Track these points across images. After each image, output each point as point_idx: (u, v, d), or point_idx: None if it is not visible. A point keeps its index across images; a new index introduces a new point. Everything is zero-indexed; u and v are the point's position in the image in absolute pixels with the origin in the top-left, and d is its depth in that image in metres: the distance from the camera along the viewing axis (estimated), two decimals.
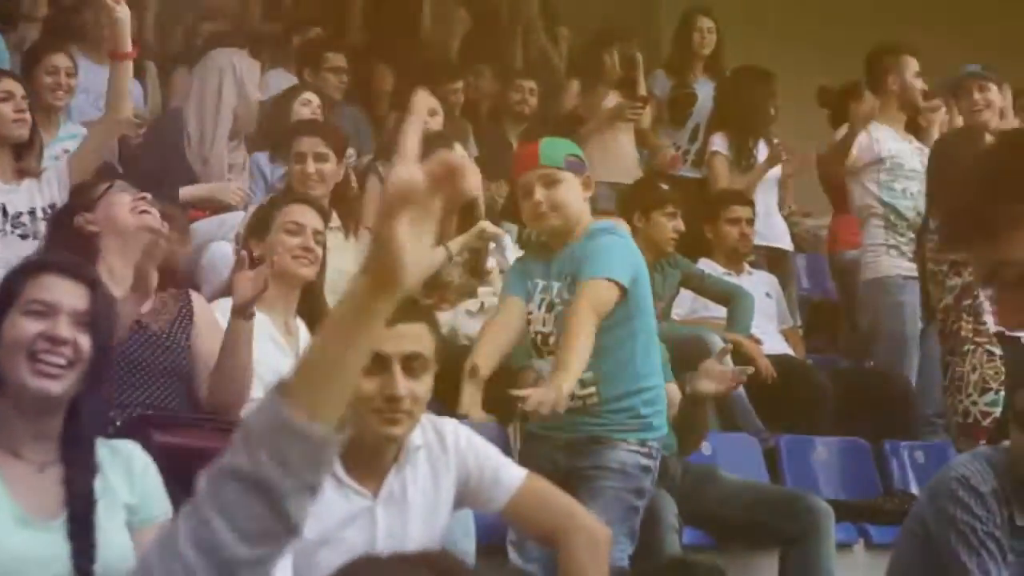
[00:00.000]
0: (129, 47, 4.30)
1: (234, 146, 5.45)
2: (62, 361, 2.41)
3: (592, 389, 3.52)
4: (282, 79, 6.56)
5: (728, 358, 4.80)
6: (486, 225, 4.56)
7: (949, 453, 5.07)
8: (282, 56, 6.81)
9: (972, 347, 4.76)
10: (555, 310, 3.56)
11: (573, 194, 3.57)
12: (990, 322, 4.85)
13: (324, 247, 3.83)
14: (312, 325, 3.77)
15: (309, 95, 5.63)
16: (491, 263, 4.80)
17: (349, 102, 6.64)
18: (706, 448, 4.58)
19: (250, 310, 3.36)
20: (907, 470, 5.04)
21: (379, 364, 2.62)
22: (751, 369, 4.09)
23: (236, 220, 4.70)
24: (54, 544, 2.31)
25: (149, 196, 3.70)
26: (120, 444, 2.58)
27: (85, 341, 2.44)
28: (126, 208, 3.59)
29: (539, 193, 3.53)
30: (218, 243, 4.61)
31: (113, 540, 2.40)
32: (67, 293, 2.46)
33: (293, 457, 1.47)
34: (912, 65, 5.85)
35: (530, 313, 3.60)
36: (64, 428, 2.44)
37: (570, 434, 3.53)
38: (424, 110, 3.25)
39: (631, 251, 3.58)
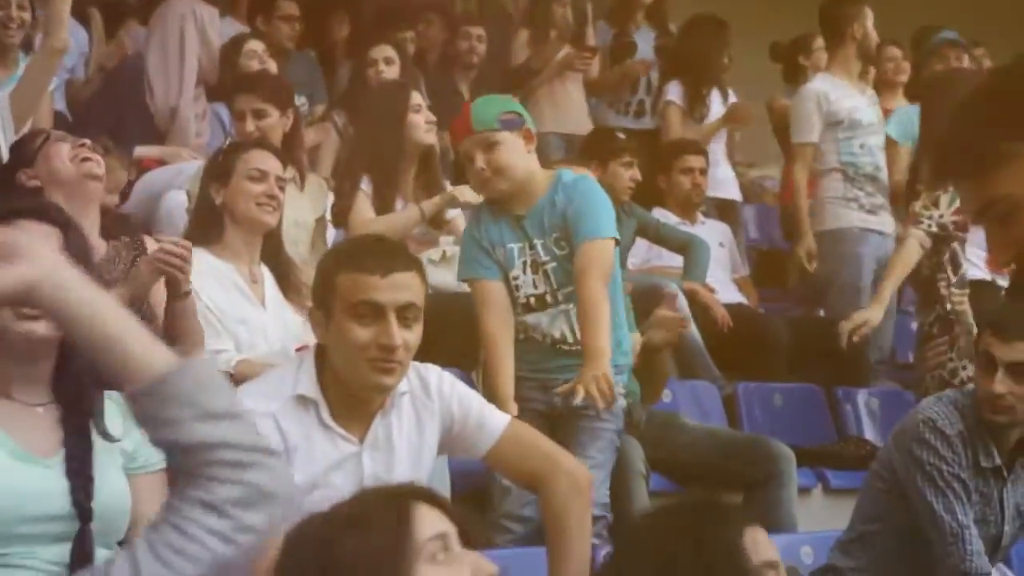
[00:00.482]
0: None
1: (197, 94, 5.38)
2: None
3: None
4: (233, 28, 6.50)
5: (682, 302, 4.88)
6: (458, 192, 4.54)
7: (902, 399, 5.18)
8: (232, 4, 6.73)
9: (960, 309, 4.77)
10: (543, 268, 3.57)
11: (515, 153, 3.56)
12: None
13: (284, 191, 3.80)
14: (276, 271, 3.76)
15: (254, 44, 5.57)
16: (451, 213, 4.79)
17: (302, 49, 6.59)
18: (666, 395, 4.65)
19: (183, 288, 3.27)
20: (861, 416, 5.14)
21: (375, 313, 2.63)
22: (690, 321, 4.18)
23: (192, 169, 4.65)
24: (52, 479, 2.29)
25: (88, 142, 3.64)
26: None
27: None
28: (66, 158, 3.52)
29: (480, 159, 3.53)
30: (175, 192, 4.57)
31: (111, 480, 2.39)
32: (41, 237, 2.39)
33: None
34: (870, 15, 5.89)
35: (515, 278, 3.58)
36: (56, 368, 2.41)
37: (566, 376, 3.51)
38: None
39: (608, 200, 3.61)
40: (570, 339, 3.58)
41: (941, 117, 2.00)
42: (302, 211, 4.64)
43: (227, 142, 3.99)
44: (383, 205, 4.71)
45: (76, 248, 2.45)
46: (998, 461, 3.41)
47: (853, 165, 5.70)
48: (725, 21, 6.66)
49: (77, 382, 2.41)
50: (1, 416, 2.34)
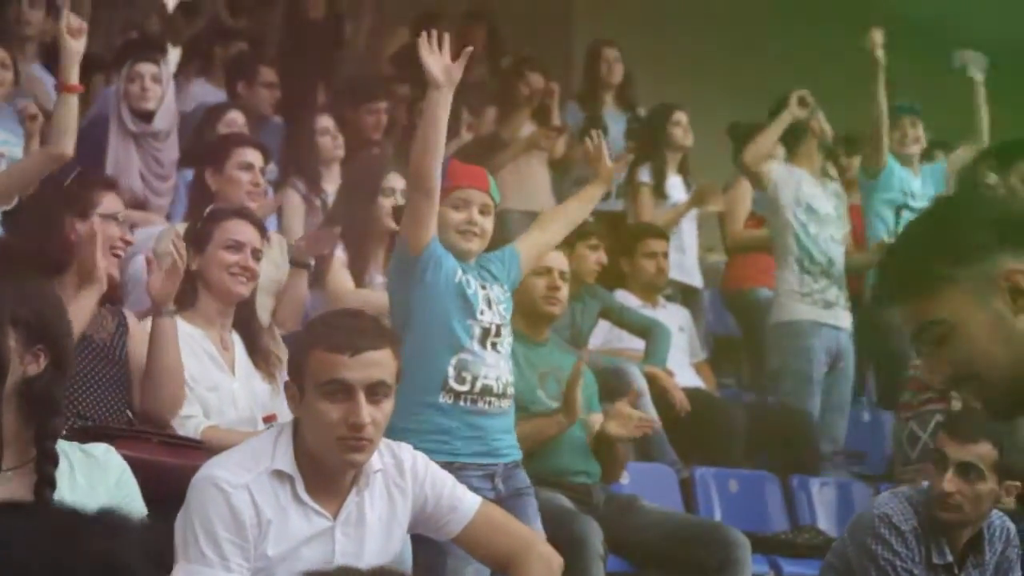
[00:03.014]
0: (76, 79, 4.10)
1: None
2: None
3: (512, 390, 3.65)
4: (206, 91, 6.56)
5: (645, 397, 4.96)
6: None
7: (854, 489, 5.26)
8: (208, 67, 6.80)
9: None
10: (496, 306, 3.63)
11: (490, 232, 3.70)
12: None
13: (260, 263, 3.84)
14: (246, 340, 3.80)
15: (234, 115, 5.63)
16: None
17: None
18: (625, 477, 4.69)
19: (168, 307, 3.42)
20: (814, 504, 5.21)
21: (343, 392, 2.66)
22: (657, 423, 4.31)
23: (156, 231, 4.69)
24: None
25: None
26: (94, 448, 2.57)
27: None
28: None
29: (476, 215, 3.62)
30: (139, 256, 4.60)
31: None
32: None
33: None
34: (819, 113, 6.04)
35: (481, 312, 3.59)
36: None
37: (504, 459, 3.61)
38: None
39: None
40: (510, 391, 3.62)
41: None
42: (266, 273, 4.69)
43: (208, 209, 4.02)
44: (356, 274, 4.78)
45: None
46: (949, 558, 3.49)
47: (808, 253, 5.80)
48: (673, 105, 6.82)
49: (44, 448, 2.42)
50: None
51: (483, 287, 3.63)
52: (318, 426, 2.68)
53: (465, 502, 2.89)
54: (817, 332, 5.73)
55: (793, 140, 6.07)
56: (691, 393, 5.40)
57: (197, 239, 3.73)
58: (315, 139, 5.77)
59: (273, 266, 4.69)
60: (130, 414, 3.47)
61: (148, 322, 3.68)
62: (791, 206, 5.80)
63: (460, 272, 3.59)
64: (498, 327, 3.62)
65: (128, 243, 3.72)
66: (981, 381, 1.84)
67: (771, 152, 6.11)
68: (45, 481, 2.43)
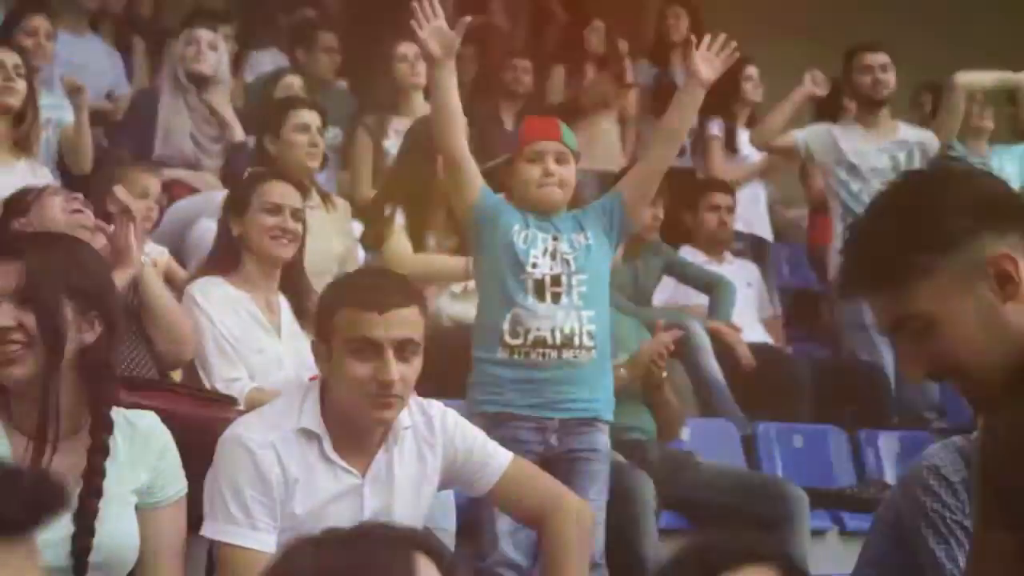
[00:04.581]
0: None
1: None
2: (14, 347, 2.38)
3: (594, 341, 3.59)
4: (276, 59, 6.62)
5: (704, 341, 4.92)
6: None
7: (923, 442, 5.15)
8: (272, 36, 6.85)
9: None
10: (563, 256, 3.60)
11: (574, 179, 3.67)
12: None
13: (304, 223, 3.86)
14: (294, 301, 3.82)
15: (291, 79, 5.68)
16: None
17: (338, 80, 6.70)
18: (685, 434, 4.66)
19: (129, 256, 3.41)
20: (882, 459, 5.13)
21: (372, 349, 2.65)
22: (678, 333, 4.21)
23: (221, 198, 4.75)
24: (54, 528, 2.33)
25: (81, 196, 3.73)
26: (139, 418, 2.55)
27: (31, 320, 2.38)
28: (58, 209, 3.61)
29: (552, 165, 3.60)
30: (205, 219, 4.65)
31: (117, 522, 2.41)
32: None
33: None
34: (877, 59, 5.88)
35: (535, 257, 3.58)
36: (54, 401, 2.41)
37: (570, 414, 3.57)
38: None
39: None
40: (577, 341, 3.56)
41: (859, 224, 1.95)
42: (329, 240, 4.72)
43: (247, 173, 4.06)
44: (414, 238, 4.79)
45: (39, 274, 2.41)
46: None
47: (852, 213, 5.69)
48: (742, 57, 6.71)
49: (99, 415, 2.43)
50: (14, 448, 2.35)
51: (554, 238, 3.60)
52: (347, 384, 2.69)
53: (496, 458, 2.88)
54: None
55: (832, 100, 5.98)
56: (757, 349, 5.35)
57: (236, 204, 3.76)
58: (392, 64, 5.75)
59: (336, 238, 4.72)
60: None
61: (194, 286, 3.73)
62: (832, 166, 5.69)
63: (518, 227, 3.57)
64: (556, 277, 3.58)
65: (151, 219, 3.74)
66: (966, 374, 1.73)
67: (780, 128, 5.98)
68: (99, 448, 2.43)
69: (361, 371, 2.66)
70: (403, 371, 2.68)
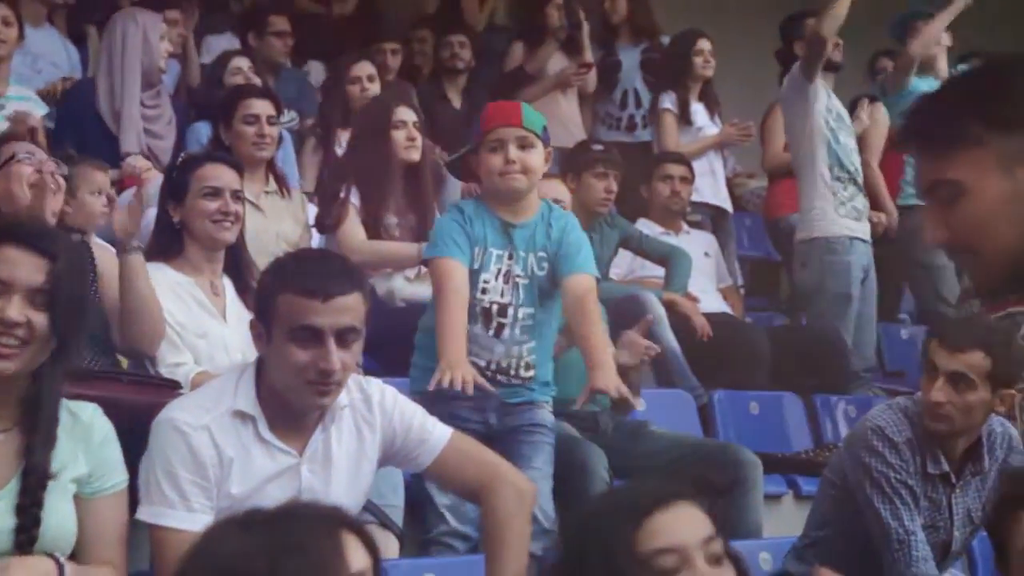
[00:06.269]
0: None
1: (152, 95, 5.45)
2: (14, 342, 2.38)
3: (532, 371, 3.66)
4: (231, 43, 6.60)
5: (662, 324, 4.94)
6: None
7: None
8: (227, 21, 6.83)
9: None
10: (514, 280, 3.62)
11: (541, 163, 3.64)
12: None
13: (244, 203, 3.83)
14: (236, 281, 3.80)
15: (239, 61, 5.68)
16: None
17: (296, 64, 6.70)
18: (640, 404, 4.67)
19: (132, 243, 3.43)
20: (838, 424, 5.16)
21: (313, 337, 2.64)
22: (658, 349, 4.23)
23: None
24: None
25: (53, 164, 3.72)
26: (81, 409, 2.56)
27: (40, 319, 2.38)
28: (24, 183, 3.63)
29: (514, 152, 3.57)
30: (152, 209, 4.65)
31: (57, 511, 2.42)
32: (23, 267, 2.39)
33: None
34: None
35: (486, 282, 3.60)
36: (26, 394, 2.43)
37: (506, 400, 3.64)
38: None
39: None
40: (513, 372, 3.63)
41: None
42: (285, 224, 4.73)
43: (179, 158, 4.03)
44: (370, 217, 4.80)
45: (63, 278, 2.42)
46: (946, 468, 3.44)
47: (838, 160, 5.67)
48: (700, 31, 6.72)
49: (46, 408, 2.43)
50: None
51: (509, 256, 3.61)
52: (286, 369, 2.68)
53: (435, 434, 2.89)
54: (852, 248, 5.63)
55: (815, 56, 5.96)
56: (715, 318, 5.37)
57: (174, 189, 3.74)
58: (345, 87, 5.79)
59: (291, 224, 4.73)
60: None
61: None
62: (823, 112, 5.67)
63: (478, 249, 3.58)
64: (503, 308, 3.61)
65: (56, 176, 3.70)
66: (977, 255, 1.76)
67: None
68: (50, 441, 2.45)
69: (302, 357, 2.65)
70: (343, 358, 2.67)
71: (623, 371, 4.20)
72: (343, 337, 2.66)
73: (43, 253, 2.41)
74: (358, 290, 2.71)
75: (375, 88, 5.68)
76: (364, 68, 5.79)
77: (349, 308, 2.67)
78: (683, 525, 1.89)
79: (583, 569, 1.89)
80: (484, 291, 3.60)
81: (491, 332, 3.61)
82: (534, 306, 3.64)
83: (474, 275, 3.58)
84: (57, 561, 2.41)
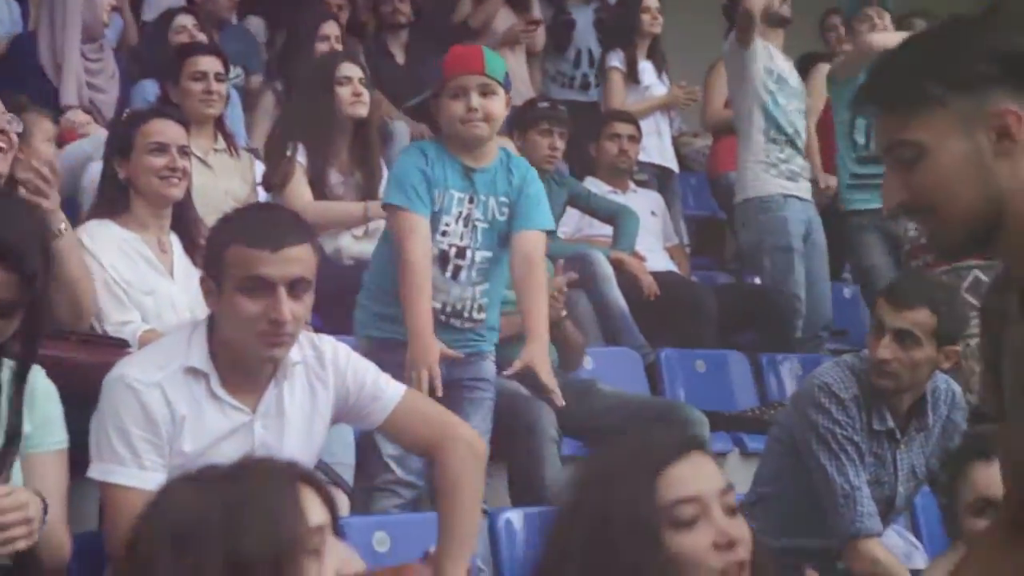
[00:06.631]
0: None
1: (95, 49, 5.38)
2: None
3: (484, 313, 3.66)
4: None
5: (608, 271, 4.96)
6: None
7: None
8: None
9: None
10: (473, 223, 3.61)
11: (502, 109, 3.62)
12: None
13: (191, 159, 3.81)
14: (184, 238, 3.77)
15: (183, 19, 5.61)
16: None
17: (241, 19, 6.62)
18: (588, 363, 4.71)
19: (59, 226, 3.32)
20: (784, 382, 5.21)
21: (264, 288, 2.63)
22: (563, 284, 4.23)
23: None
24: None
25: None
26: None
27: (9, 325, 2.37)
28: None
29: (475, 100, 3.55)
30: (95, 163, 4.60)
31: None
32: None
33: None
34: None
35: (446, 225, 3.59)
36: None
37: (456, 348, 3.62)
38: None
39: None
40: (467, 314, 3.63)
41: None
42: (233, 182, 4.69)
43: (125, 113, 3.98)
44: (316, 176, 4.77)
45: (29, 292, 2.37)
46: (891, 424, 3.49)
47: (776, 123, 5.70)
48: None
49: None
50: None
51: (470, 200, 3.60)
52: (237, 321, 2.67)
53: (387, 391, 2.89)
54: (787, 204, 5.67)
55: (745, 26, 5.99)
56: (662, 277, 5.39)
57: (120, 146, 3.69)
58: (313, 46, 5.75)
59: (239, 182, 4.70)
60: None
61: (82, 229, 3.65)
62: (761, 74, 5.69)
63: (438, 191, 3.56)
64: (461, 250, 3.60)
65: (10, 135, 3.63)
66: (936, 215, 1.77)
67: None
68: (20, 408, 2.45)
69: (253, 309, 2.64)
70: (294, 309, 2.66)
71: (562, 330, 4.24)
72: (294, 288, 2.65)
73: (14, 270, 2.34)
74: (307, 241, 2.71)
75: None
76: (332, 28, 5.74)
77: (299, 258, 2.67)
78: (701, 475, 1.91)
79: (607, 521, 1.89)
80: (444, 233, 3.59)
81: (448, 274, 3.60)
82: (492, 249, 3.64)
83: (434, 217, 3.57)
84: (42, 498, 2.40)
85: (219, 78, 4.72)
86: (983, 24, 1.79)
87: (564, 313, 4.25)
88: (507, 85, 3.67)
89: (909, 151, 1.75)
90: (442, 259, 3.60)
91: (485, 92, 3.57)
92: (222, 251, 2.68)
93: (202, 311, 3.63)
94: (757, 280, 5.96)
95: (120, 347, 3.22)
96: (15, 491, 2.32)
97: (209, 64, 4.71)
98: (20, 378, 2.46)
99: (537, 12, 7.21)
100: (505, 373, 3.60)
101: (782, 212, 5.64)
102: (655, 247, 5.78)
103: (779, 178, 5.66)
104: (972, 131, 1.73)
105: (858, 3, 6.47)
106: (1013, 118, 1.72)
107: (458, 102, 3.57)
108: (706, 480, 1.91)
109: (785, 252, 5.63)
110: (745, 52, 5.64)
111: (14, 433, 2.43)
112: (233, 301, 2.66)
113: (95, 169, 4.48)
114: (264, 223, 2.70)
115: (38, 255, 2.35)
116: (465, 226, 3.61)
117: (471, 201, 3.61)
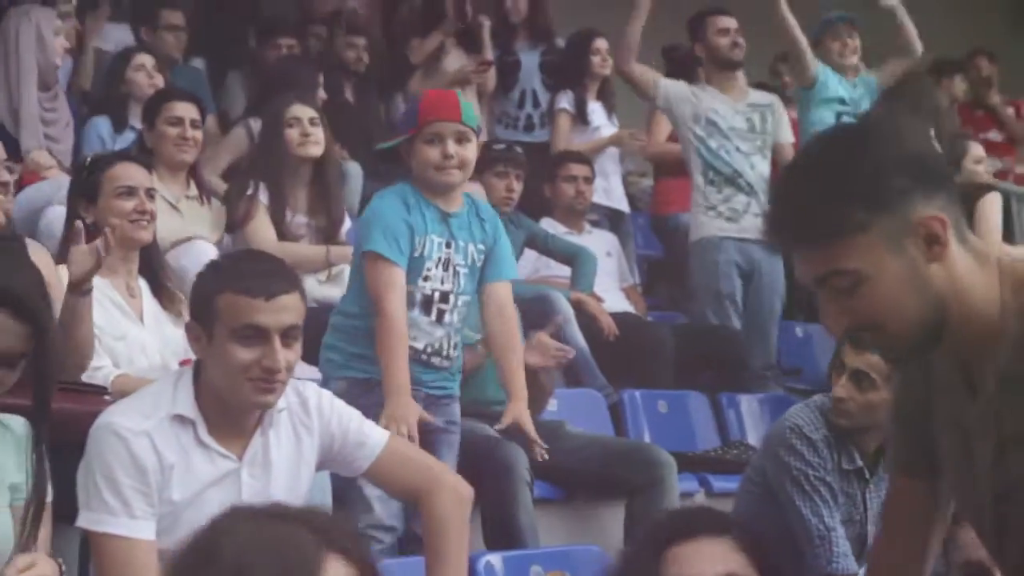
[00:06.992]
0: None
1: (51, 97, 5.35)
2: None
3: (457, 351, 3.71)
4: (125, 34, 6.47)
5: (571, 323, 4.99)
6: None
7: (786, 404, 5.30)
8: (122, 12, 6.70)
9: None
10: (454, 267, 3.64)
11: (475, 156, 3.67)
12: None
13: (154, 199, 3.79)
14: (152, 282, 3.76)
15: (142, 58, 5.58)
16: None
17: (188, 60, 6.59)
18: (552, 404, 4.72)
19: (87, 286, 3.34)
20: (743, 421, 5.26)
21: (258, 336, 2.63)
22: (572, 353, 4.33)
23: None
24: None
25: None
26: (11, 420, 2.52)
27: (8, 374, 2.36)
28: None
29: (452, 146, 3.58)
30: (53, 207, 4.56)
31: None
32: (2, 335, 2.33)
33: None
34: (731, 23, 6.00)
35: (428, 270, 3.61)
36: None
37: (432, 391, 3.67)
38: None
39: None
40: (445, 352, 3.68)
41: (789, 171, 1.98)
42: (203, 229, 4.67)
43: (88, 158, 3.95)
44: (275, 215, 4.78)
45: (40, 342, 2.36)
46: (859, 463, 3.54)
47: (711, 166, 5.81)
48: (596, 32, 6.79)
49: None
50: None
51: (447, 245, 3.63)
52: (229, 369, 2.65)
53: (372, 437, 2.89)
54: (722, 247, 5.75)
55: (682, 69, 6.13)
56: (620, 317, 5.43)
57: (85, 191, 3.67)
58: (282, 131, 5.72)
59: (209, 229, 4.68)
60: None
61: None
62: (688, 121, 5.80)
63: (419, 238, 3.58)
64: (445, 295, 3.64)
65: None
66: (885, 330, 1.77)
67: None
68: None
69: (246, 357, 2.63)
70: (287, 356, 2.67)
71: (532, 372, 4.26)
72: (286, 335, 2.67)
73: (23, 320, 2.33)
74: (297, 289, 2.73)
75: (318, 132, 5.40)
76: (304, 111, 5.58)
77: (291, 307, 2.68)
78: (702, 557, 1.98)
79: None
80: (426, 278, 3.63)
81: (432, 318, 3.64)
82: (471, 293, 3.71)
83: (416, 263, 3.60)
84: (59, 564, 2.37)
85: (195, 124, 4.71)
86: (880, 139, 1.77)
87: (558, 359, 4.29)
88: (478, 131, 3.71)
89: (846, 279, 1.74)
90: (425, 304, 3.63)
91: (460, 139, 3.61)
92: (213, 298, 2.67)
93: (172, 355, 3.65)
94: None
95: (100, 394, 3.19)
96: (38, 562, 2.28)
97: (185, 110, 4.70)
98: (37, 441, 2.44)
99: (489, 54, 7.24)
100: (497, 427, 3.71)
101: (714, 256, 5.75)
102: (611, 288, 5.82)
103: (718, 219, 5.76)
104: (902, 246, 1.73)
105: (825, 25, 6.58)
106: (937, 223, 1.73)
107: (433, 148, 3.60)
108: (708, 562, 1.97)
109: (716, 296, 5.73)
110: (659, 101, 5.89)
111: (41, 497, 2.41)
112: (225, 348, 2.65)
113: (53, 212, 4.45)
114: (255, 271, 2.70)
115: (44, 306, 2.32)
116: (446, 270, 3.65)
117: (448, 246, 3.65)
